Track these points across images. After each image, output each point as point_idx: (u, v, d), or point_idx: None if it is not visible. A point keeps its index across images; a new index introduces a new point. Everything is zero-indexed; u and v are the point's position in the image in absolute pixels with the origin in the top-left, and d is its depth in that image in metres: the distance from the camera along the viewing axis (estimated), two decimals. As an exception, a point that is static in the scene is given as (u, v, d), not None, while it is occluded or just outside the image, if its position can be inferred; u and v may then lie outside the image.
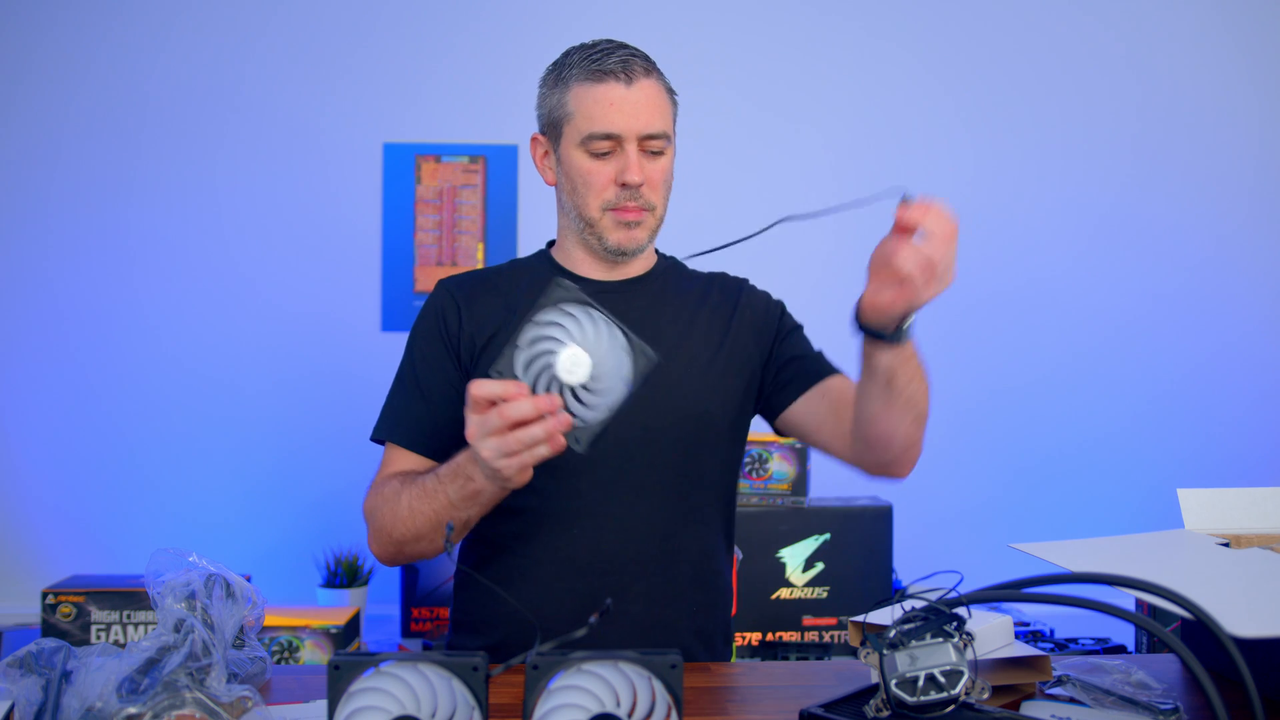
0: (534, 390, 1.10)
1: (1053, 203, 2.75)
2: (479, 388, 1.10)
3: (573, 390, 1.11)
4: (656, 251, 1.53)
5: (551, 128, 1.41)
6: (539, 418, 1.09)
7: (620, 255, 1.41)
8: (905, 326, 1.23)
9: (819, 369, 1.47)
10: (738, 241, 1.32)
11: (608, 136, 1.35)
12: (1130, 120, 2.76)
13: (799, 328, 1.53)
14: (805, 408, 1.46)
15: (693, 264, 1.56)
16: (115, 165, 2.64)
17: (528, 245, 2.61)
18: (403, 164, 2.68)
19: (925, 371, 1.31)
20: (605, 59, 1.35)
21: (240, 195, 2.65)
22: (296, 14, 2.66)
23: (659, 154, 1.38)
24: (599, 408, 1.11)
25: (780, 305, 1.53)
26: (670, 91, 1.41)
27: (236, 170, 2.65)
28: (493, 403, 1.10)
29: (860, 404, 1.32)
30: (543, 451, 1.10)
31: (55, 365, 2.61)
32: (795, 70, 2.73)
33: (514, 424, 1.09)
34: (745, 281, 1.55)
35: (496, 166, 2.69)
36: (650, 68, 1.38)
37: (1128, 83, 2.76)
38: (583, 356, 1.10)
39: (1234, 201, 2.76)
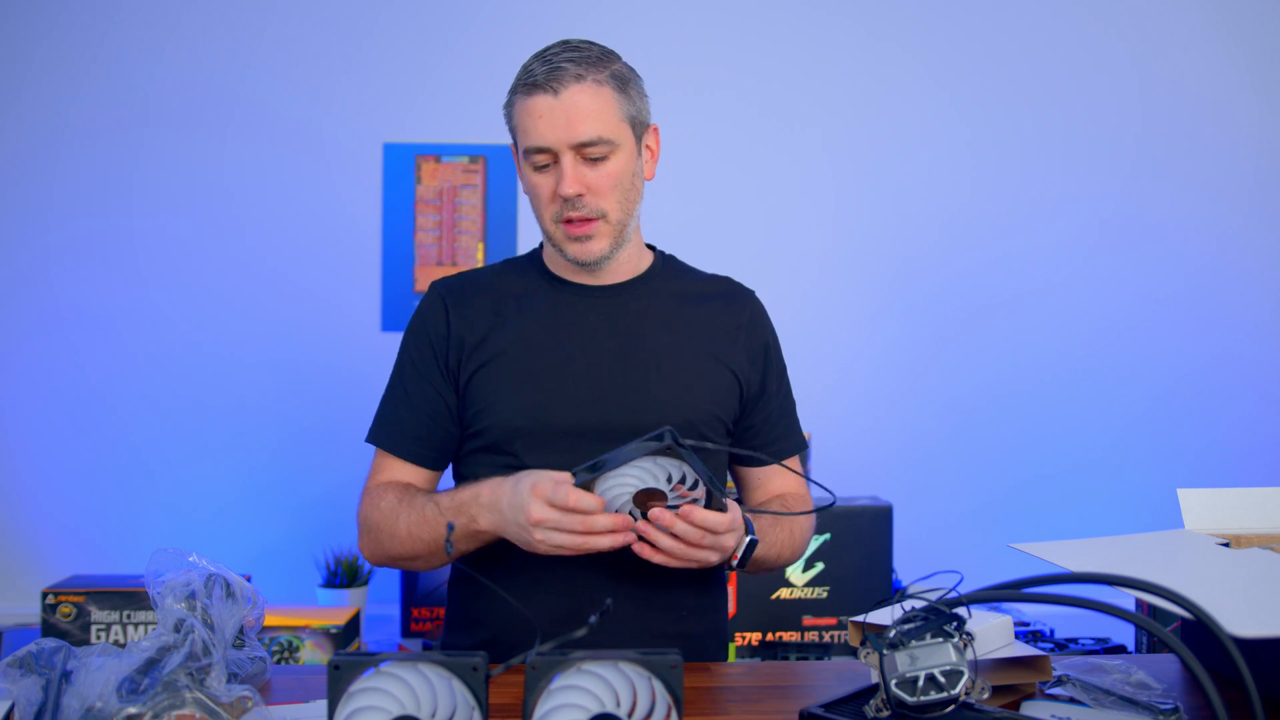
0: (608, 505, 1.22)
1: (1054, 206, 2.75)
2: (573, 498, 1.18)
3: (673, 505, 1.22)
4: (654, 250, 1.52)
5: (513, 140, 1.42)
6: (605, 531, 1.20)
7: (583, 266, 1.41)
8: (733, 565, 1.32)
9: (767, 453, 1.51)
10: None
11: (540, 150, 1.34)
12: (1132, 122, 2.76)
13: (784, 390, 1.54)
14: (736, 473, 1.55)
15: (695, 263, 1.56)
16: (116, 165, 2.64)
17: (527, 245, 2.61)
18: (403, 164, 2.68)
19: (777, 547, 1.42)
20: (536, 69, 1.34)
21: (241, 195, 2.65)
22: (297, 14, 2.66)
23: (601, 159, 1.35)
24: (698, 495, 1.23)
25: (778, 355, 1.53)
26: (623, 88, 1.36)
27: (237, 170, 2.65)
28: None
29: None
30: (601, 544, 1.21)
31: (56, 365, 2.61)
32: (794, 72, 2.73)
33: (585, 530, 1.19)
34: (753, 294, 1.53)
35: (496, 166, 2.69)
36: (584, 71, 1.33)
37: (1129, 85, 2.76)
38: (654, 492, 1.21)
39: (1235, 204, 2.76)
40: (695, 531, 1.21)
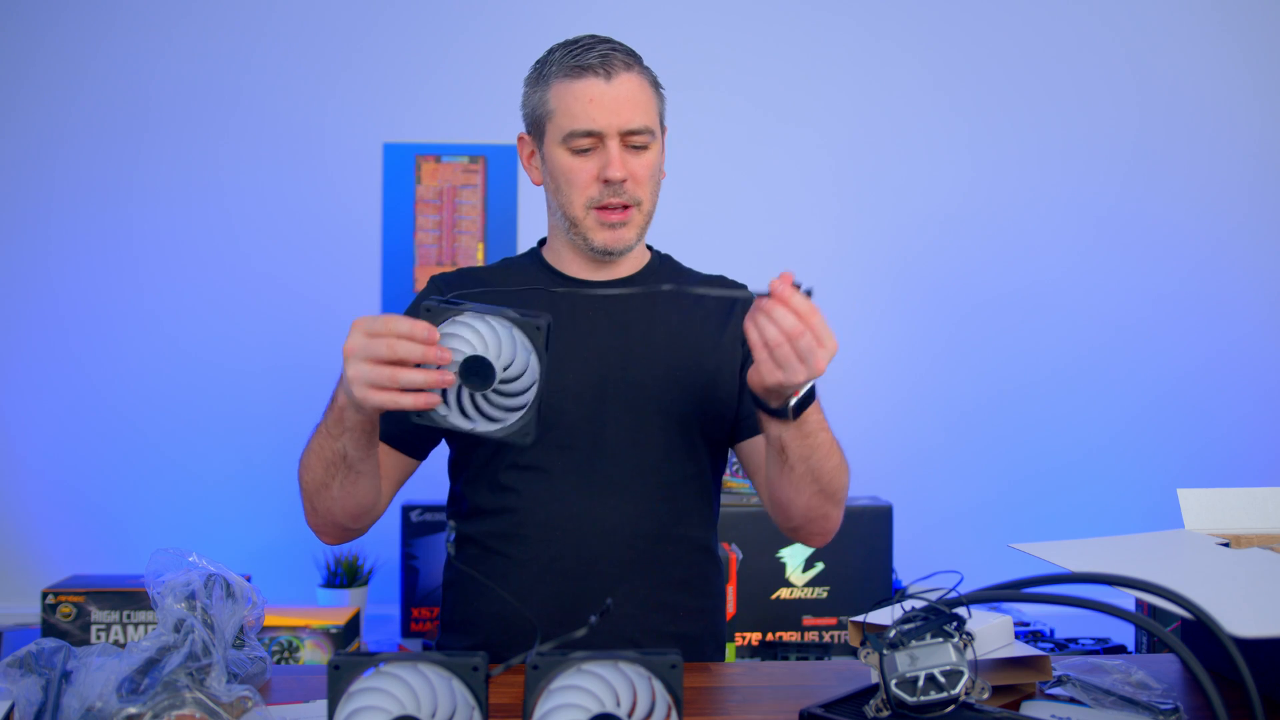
0: (463, 411, 1.08)
1: (1053, 205, 2.75)
2: (392, 322, 1.06)
3: (497, 392, 1.09)
4: (650, 249, 1.53)
5: (535, 126, 1.41)
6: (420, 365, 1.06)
7: (607, 255, 1.41)
8: (789, 405, 1.20)
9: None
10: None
11: (588, 133, 1.34)
12: (1130, 121, 2.76)
13: None
14: (749, 449, 1.45)
15: (689, 264, 1.55)
16: (117, 165, 2.64)
17: (527, 245, 2.62)
18: (403, 164, 2.68)
19: (835, 447, 1.29)
20: (585, 54, 1.35)
21: (241, 195, 2.65)
22: (297, 14, 2.66)
23: (643, 149, 1.37)
24: (524, 395, 1.10)
25: None
26: (656, 85, 1.41)
27: (237, 170, 2.65)
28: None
29: (766, 465, 1.33)
30: (407, 401, 1.06)
31: (56, 365, 2.61)
32: (794, 71, 2.73)
33: (397, 360, 1.05)
34: (745, 288, 1.53)
35: (496, 166, 2.69)
36: (632, 62, 1.37)
37: (1128, 84, 2.76)
38: (483, 363, 1.08)
39: (1233, 203, 2.76)
40: (805, 304, 1.11)
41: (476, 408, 1.09)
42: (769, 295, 1.13)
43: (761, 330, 1.12)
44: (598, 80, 1.33)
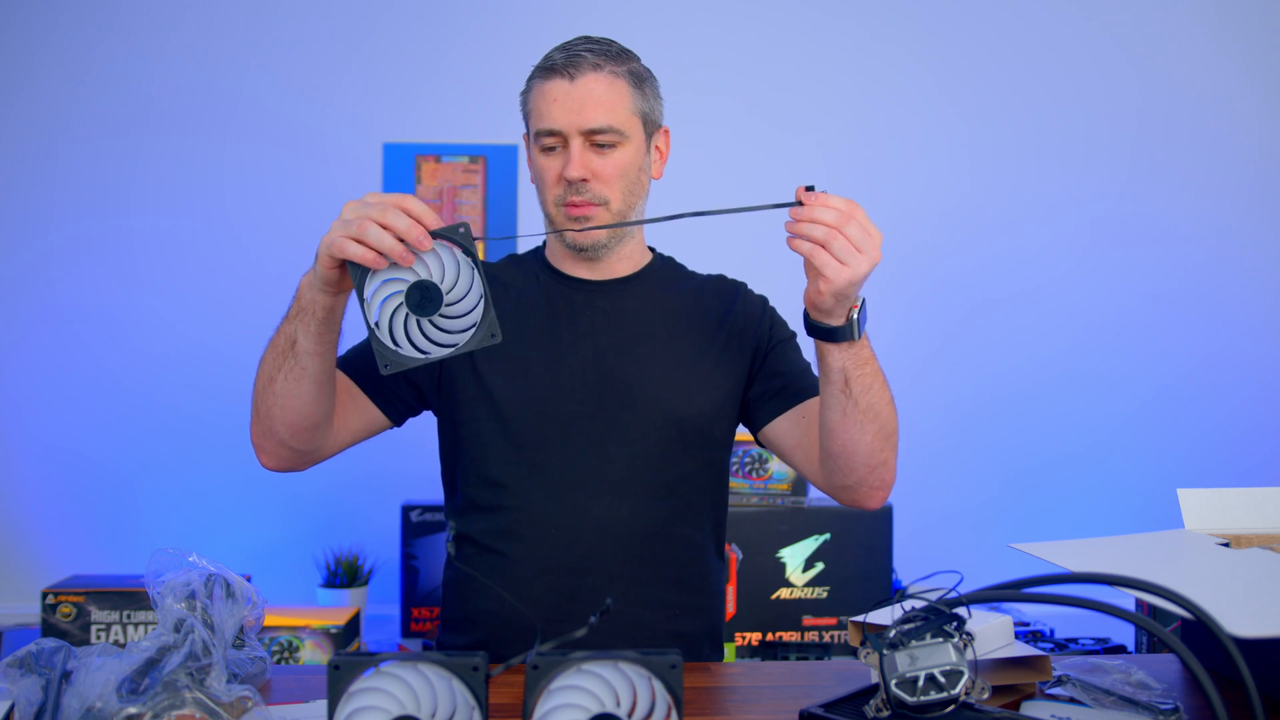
0: (378, 315, 1.09)
1: (1051, 205, 2.75)
2: (403, 196, 1.09)
3: (417, 322, 1.09)
4: (652, 250, 1.53)
5: (526, 127, 1.44)
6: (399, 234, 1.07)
7: (581, 252, 1.42)
8: (854, 318, 1.20)
9: (802, 388, 1.43)
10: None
11: (551, 133, 1.36)
12: (1129, 121, 2.76)
13: (791, 338, 1.50)
14: (782, 427, 1.44)
15: (693, 265, 1.56)
16: (116, 166, 2.64)
17: (526, 246, 2.62)
18: (403, 164, 2.68)
19: (887, 383, 1.28)
20: (555, 55, 1.38)
21: (241, 196, 2.65)
22: (297, 14, 2.66)
23: (609, 148, 1.36)
24: (424, 350, 1.10)
25: (772, 313, 1.51)
26: (638, 84, 1.39)
27: (237, 170, 2.65)
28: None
29: (822, 415, 1.30)
30: (355, 250, 1.07)
31: (55, 365, 2.61)
32: (791, 75, 2.73)
33: (383, 223, 1.07)
34: (743, 285, 1.53)
35: (496, 166, 2.69)
36: (602, 62, 1.36)
37: (1127, 84, 2.76)
38: (435, 293, 1.08)
39: (1233, 202, 2.77)
40: (840, 201, 1.12)
41: (427, 338, 1.10)
42: (800, 205, 1.14)
43: (809, 234, 1.13)
44: (562, 81, 1.35)
